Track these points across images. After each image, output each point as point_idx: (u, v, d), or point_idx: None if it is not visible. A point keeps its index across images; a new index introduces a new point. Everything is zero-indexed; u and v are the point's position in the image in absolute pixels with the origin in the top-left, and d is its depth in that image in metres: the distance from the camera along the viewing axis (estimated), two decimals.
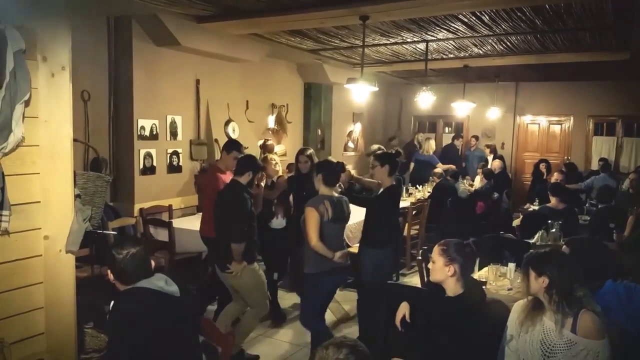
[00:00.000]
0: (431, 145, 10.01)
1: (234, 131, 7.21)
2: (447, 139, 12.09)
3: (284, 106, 8.45)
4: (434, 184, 8.35)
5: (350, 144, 10.70)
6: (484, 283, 3.76)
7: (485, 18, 5.32)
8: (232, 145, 4.89)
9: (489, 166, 9.45)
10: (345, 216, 3.99)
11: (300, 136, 9.05)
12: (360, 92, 5.56)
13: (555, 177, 7.48)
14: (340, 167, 4.53)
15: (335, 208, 3.82)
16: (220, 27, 5.74)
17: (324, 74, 8.73)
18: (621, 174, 9.79)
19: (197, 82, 6.59)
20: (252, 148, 7.59)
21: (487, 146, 10.80)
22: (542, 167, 9.57)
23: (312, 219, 3.72)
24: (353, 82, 5.35)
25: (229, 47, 6.45)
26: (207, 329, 2.71)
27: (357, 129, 10.84)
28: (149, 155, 5.94)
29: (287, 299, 5.63)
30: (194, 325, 2.56)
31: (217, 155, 6.89)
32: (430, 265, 2.80)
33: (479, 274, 4.02)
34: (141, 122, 5.84)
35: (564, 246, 3.09)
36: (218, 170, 4.83)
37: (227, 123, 7.13)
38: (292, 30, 6.04)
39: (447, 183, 8.14)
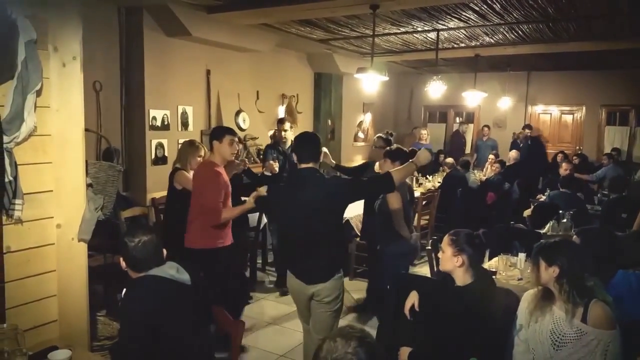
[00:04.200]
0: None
1: (245, 121, 7.21)
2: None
3: (294, 96, 8.42)
4: (444, 174, 8.29)
5: (361, 134, 10.66)
6: (494, 273, 3.73)
7: (497, 6, 5.25)
8: (222, 130, 3.98)
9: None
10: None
11: (311, 126, 9.02)
12: (370, 82, 5.53)
13: (564, 167, 7.37)
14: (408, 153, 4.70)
15: (409, 191, 4.20)
16: (231, 17, 5.72)
17: (334, 63, 8.68)
18: (634, 164, 9.67)
19: (208, 72, 6.58)
20: (263, 138, 7.60)
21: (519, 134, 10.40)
22: (560, 157, 9.44)
23: (399, 201, 4.01)
24: (363, 71, 5.32)
25: (239, 37, 6.43)
26: (218, 316, 2.72)
27: (367, 119, 10.79)
28: (160, 146, 5.96)
29: None
30: (205, 313, 2.57)
31: None
32: (440, 255, 2.79)
33: (489, 264, 4.00)
34: (153, 113, 5.85)
35: (575, 236, 3.05)
36: (217, 166, 3.88)
37: (237, 113, 7.13)
38: (302, 20, 6.00)
39: (458, 173, 8.09)
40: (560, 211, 5.02)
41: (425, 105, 12.03)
